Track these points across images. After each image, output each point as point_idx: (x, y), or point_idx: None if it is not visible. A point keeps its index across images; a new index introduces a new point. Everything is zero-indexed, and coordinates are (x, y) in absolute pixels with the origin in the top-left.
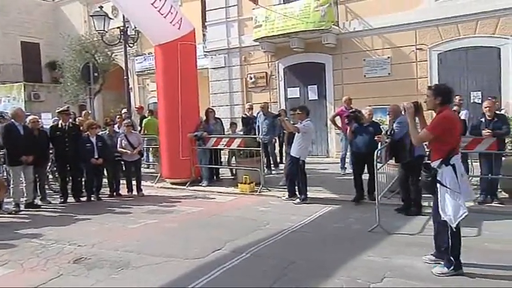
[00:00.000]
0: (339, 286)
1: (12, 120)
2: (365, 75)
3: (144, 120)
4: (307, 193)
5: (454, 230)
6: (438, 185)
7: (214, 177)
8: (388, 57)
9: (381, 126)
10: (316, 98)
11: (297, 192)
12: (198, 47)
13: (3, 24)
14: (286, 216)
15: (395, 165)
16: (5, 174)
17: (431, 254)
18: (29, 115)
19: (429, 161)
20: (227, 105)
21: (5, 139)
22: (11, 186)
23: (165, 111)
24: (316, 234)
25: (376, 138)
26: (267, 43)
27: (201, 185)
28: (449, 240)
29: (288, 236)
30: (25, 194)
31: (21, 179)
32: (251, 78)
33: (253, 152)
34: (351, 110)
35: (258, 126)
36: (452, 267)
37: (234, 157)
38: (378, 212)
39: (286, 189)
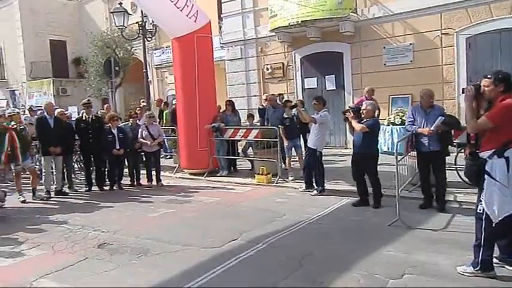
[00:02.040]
0: (356, 280)
1: (45, 113)
2: (385, 64)
3: (166, 112)
4: (325, 185)
5: (493, 226)
6: (486, 176)
7: (232, 168)
8: (411, 44)
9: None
10: (334, 88)
11: (314, 184)
12: (214, 39)
13: (35, 25)
14: (303, 208)
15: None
16: (38, 164)
17: (495, 257)
18: (57, 108)
19: (477, 150)
20: (244, 97)
21: (37, 131)
22: (43, 174)
23: (183, 103)
24: (333, 227)
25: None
26: (283, 33)
27: (218, 176)
28: (482, 237)
29: (304, 228)
30: (55, 182)
31: (51, 168)
32: (268, 69)
33: (271, 144)
34: (350, 107)
35: (267, 119)
36: (478, 267)
37: (250, 148)
38: (398, 206)
39: (303, 181)
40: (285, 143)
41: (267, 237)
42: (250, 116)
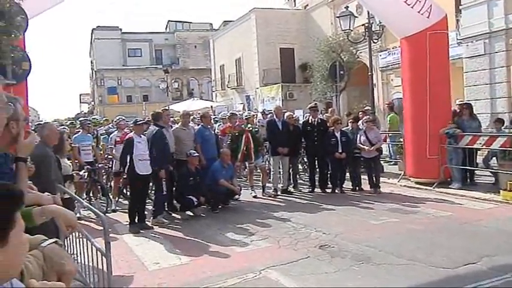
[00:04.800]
0: None
1: (274, 116)
2: None
3: (388, 117)
4: None
5: None
6: None
7: (468, 180)
8: None
9: None
10: None
11: None
12: (450, 35)
13: (267, 35)
14: None
15: None
16: (268, 163)
17: None
18: (285, 112)
19: None
20: (486, 99)
21: (267, 133)
22: (271, 173)
23: (412, 107)
24: None
25: None
26: None
27: (450, 188)
28: None
29: None
30: (282, 181)
31: (279, 168)
32: None
33: None
34: None
35: None
36: None
37: (494, 158)
38: None
39: None
40: None
41: None
42: (498, 121)
